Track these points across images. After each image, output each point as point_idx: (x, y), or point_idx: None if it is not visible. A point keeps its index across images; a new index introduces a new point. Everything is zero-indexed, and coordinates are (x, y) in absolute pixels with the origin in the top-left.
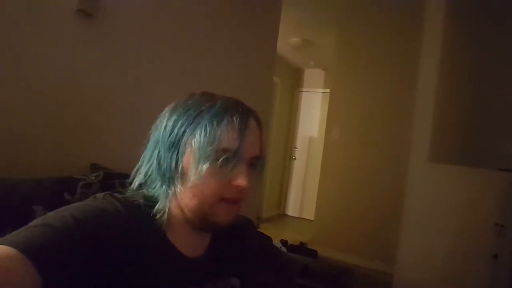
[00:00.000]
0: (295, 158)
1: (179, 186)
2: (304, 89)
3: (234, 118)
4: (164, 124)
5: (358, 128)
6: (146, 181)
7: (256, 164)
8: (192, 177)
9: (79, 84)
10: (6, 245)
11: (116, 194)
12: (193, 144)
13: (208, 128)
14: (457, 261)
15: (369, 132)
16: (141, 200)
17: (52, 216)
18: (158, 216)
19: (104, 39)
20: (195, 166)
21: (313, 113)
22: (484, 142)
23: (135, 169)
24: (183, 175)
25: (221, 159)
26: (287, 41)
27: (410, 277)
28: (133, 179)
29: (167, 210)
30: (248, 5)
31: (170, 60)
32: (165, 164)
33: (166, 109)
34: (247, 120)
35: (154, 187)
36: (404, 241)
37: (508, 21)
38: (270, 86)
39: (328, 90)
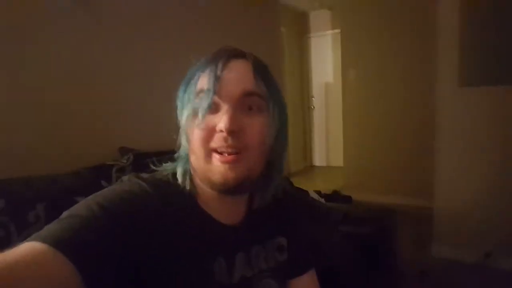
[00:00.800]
0: (313, 107)
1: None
2: (312, 34)
3: (216, 58)
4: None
5: (377, 65)
6: (179, 155)
7: (260, 106)
8: (188, 134)
9: (92, 74)
10: (35, 241)
11: (142, 174)
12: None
13: (189, 77)
14: (497, 184)
15: (389, 66)
16: (170, 174)
17: (78, 207)
18: (183, 185)
19: (112, 27)
20: (180, 116)
21: (325, 57)
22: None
23: (178, 141)
24: (188, 137)
25: (198, 103)
26: None
27: (450, 207)
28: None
29: (186, 176)
30: None
31: (177, 29)
32: (180, 129)
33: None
34: (227, 59)
35: (184, 159)
36: (440, 171)
37: None
38: (278, 37)
39: (338, 30)
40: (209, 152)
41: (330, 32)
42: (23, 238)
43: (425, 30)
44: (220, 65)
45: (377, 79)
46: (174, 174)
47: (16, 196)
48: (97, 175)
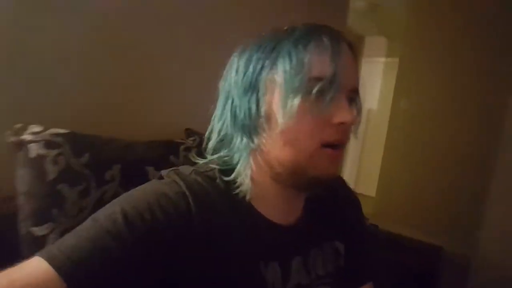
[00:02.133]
0: None
1: (264, 135)
2: (364, 59)
3: (324, 39)
4: (235, 68)
5: (431, 99)
6: (222, 142)
7: (355, 100)
8: (281, 118)
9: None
10: (49, 261)
11: (181, 170)
12: (276, 78)
13: (293, 54)
14: None
15: (446, 101)
16: (216, 168)
17: (103, 214)
18: (239, 181)
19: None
20: (283, 104)
21: (373, 84)
22: None
23: (207, 133)
24: (268, 120)
25: (315, 90)
26: (350, 5)
27: (494, 259)
28: (206, 145)
29: (249, 171)
30: None
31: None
32: (242, 113)
33: (234, 54)
34: (339, 41)
35: (232, 147)
36: (489, 220)
37: None
38: None
39: (392, 59)
40: (318, 144)
41: (383, 59)
42: (99, 194)
43: (489, 66)
44: (336, 48)
45: (431, 112)
46: (222, 163)
47: (98, 154)
48: (167, 150)
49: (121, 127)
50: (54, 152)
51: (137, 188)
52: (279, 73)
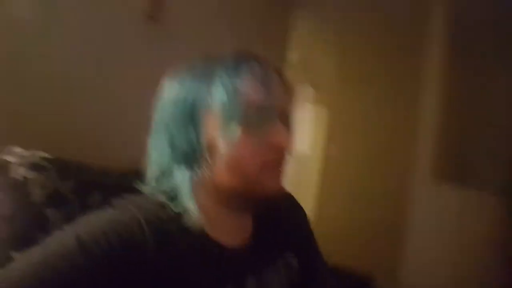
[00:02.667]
0: None
1: (207, 164)
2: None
3: (255, 66)
4: (170, 98)
5: (359, 146)
6: (162, 174)
7: (287, 121)
8: (222, 147)
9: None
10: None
11: (133, 198)
12: (213, 107)
13: (227, 83)
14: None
15: (370, 150)
16: (162, 197)
17: (55, 238)
18: (187, 209)
19: (169, 41)
20: (223, 133)
21: (303, 129)
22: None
23: (145, 165)
24: (210, 149)
25: (253, 117)
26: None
27: None
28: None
29: (194, 200)
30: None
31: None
32: (182, 144)
33: (165, 82)
34: (268, 67)
35: (175, 178)
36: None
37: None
38: None
39: (318, 107)
40: (262, 166)
41: (309, 107)
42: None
43: (408, 124)
44: (267, 74)
45: (357, 159)
46: (166, 192)
47: (81, 179)
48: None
49: (82, 151)
50: (40, 175)
51: (89, 215)
52: (216, 101)
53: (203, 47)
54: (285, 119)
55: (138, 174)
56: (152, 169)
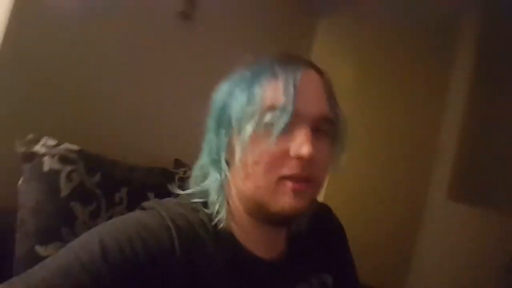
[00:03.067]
0: None
1: (230, 170)
2: None
3: (279, 71)
4: (211, 102)
5: (375, 160)
6: (201, 176)
7: (328, 130)
8: (238, 151)
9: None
10: None
11: (164, 201)
12: (233, 111)
13: (245, 86)
14: None
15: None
16: (199, 201)
17: (78, 242)
18: (214, 212)
19: (203, 39)
20: (237, 135)
21: None
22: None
23: (194, 166)
24: (231, 155)
25: (266, 119)
26: None
27: None
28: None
29: (223, 202)
30: None
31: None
32: (212, 146)
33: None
34: (297, 70)
35: (208, 180)
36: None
37: None
38: None
39: None
40: (277, 179)
41: None
42: (109, 216)
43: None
44: (297, 77)
45: (371, 170)
46: (202, 196)
47: (108, 174)
48: (165, 178)
49: (111, 149)
50: (68, 168)
51: (117, 217)
52: (234, 105)
53: (235, 45)
54: (321, 127)
55: (164, 173)
56: (195, 171)
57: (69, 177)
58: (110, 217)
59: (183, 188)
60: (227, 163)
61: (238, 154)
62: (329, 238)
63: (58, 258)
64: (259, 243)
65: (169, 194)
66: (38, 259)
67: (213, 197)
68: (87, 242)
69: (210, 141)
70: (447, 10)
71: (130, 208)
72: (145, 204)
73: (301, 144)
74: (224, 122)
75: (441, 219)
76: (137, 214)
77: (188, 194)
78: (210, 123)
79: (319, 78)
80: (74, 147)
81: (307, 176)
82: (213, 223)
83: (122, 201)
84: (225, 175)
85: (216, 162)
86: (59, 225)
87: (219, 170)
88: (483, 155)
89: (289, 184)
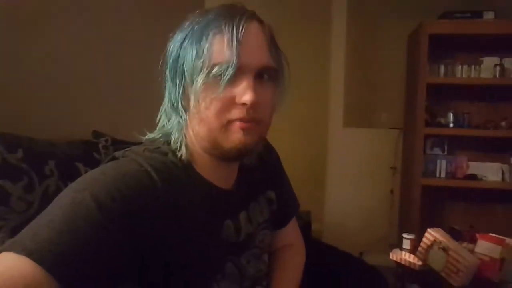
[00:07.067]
0: None
1: (188, 114)
2: None
3: (224, 26)
4: (167, 54)
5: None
6: (168, 118)
7: (270, 76)
8: (191, 101)
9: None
10: (26, 255)
11: (134, 149)
12: (185, 64)
13: (195, 40)
14: (365, 199)
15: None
16: (162, 142)
17: (70, 200)
18: (177, 150)
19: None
20: (190, 84)
21: None
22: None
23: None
24: (187, 102)
25: (212, 73)
26: None
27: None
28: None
29: (183, 139)
30: None
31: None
32: (172, 93)
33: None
34: (241, 25)
35: (170, 124)
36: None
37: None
38: None
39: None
40: (227, 122)
41: None
42: (44, 187)
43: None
44: (240, 30)
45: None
46: (165, 137)
47: (30, 150)
48: (89, 148)
49: (25, 126)
50: None
51: (94, 171)
52: (187, 60)
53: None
54: (264, 75)
55: (86, 144)
56: (160, 115)
57: None
58: (45, 189)
59: (108, 155)
60: (185, 108)
61: (192, 102)
62: (269, 163)
63: (56, 218)
64: (217, 176)
65: (97, 162)
66: None
67: (174, 135)
68: (80, 200)
69: (168, 88)
70: None
71: (62, 179)
72: (117, 153)
73: (244, 92)
74: (178, 73)
75: (340, 141)
76: (113, 164)
77: (151, 141)
78: (167, 72)
79: (261, 28)
80: None
81: (253, 118)
82: (181, 162)
83: (53, 173)
84: (184, 119)
85: (175, 107)
86: None
87: (177, 113)
88: (366, 89)
89: (237, 124)
